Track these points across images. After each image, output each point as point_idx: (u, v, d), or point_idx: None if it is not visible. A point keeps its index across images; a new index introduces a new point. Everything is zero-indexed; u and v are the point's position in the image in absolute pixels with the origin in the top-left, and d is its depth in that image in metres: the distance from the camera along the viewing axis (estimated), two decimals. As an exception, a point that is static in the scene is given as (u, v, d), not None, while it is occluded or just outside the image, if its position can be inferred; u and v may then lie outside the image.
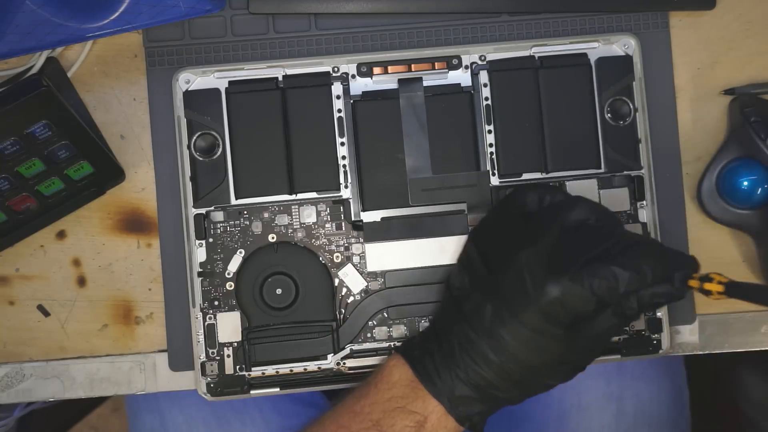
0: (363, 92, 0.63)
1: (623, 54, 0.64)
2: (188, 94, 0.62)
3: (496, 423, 0.77)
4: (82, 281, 0.64)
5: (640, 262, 0.52)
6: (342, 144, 0.63)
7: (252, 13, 0.64)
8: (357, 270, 0.63)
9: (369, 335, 0.63)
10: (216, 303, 0.62)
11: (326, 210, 0.63)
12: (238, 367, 0.62)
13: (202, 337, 0.62)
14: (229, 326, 0.62)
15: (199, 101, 0.62)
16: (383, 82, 0.63)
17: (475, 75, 0.63)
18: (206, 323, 0.62)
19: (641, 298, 0.53)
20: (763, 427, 0.97)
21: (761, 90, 0.65)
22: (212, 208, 0.62)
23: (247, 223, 0.62)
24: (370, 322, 0.63)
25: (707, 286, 0.51)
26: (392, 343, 0.63)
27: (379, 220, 0.62)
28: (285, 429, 0.75)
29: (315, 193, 0.63)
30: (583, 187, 0.63)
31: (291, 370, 0.63)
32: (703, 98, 0.66)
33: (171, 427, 0.75)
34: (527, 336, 0.53)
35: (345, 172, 0.63)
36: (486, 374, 0.54)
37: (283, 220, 0.63)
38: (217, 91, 0.62)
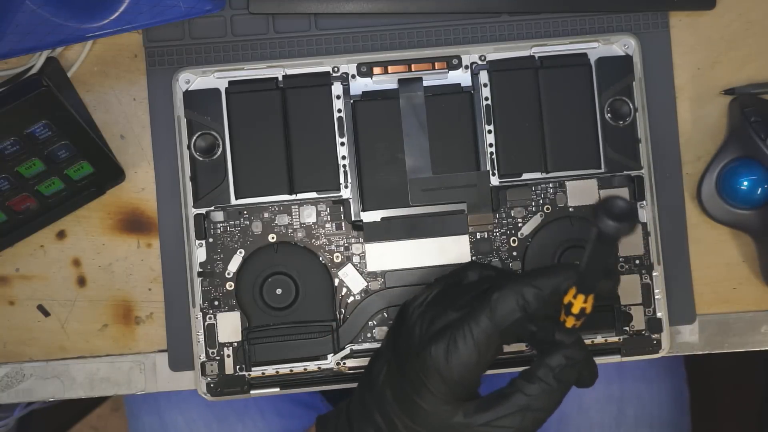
0: (363, 92, 0.63)
1: (623, 54, 0.64)
2: (188, 94, 0.62)
3: None
4: (82, 281, 0.64)
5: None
6: (342, 144, 0.63)
7: (252, 13, 0.64)
8: (357, 270, 0.63)
9: (369, 335, 0.63)
10: (216, 303, 0.62)
11: (326, 210, 0.63)
12: (238, 367, 0.62)
13: (202, 337, 0.62)
14: (229, 326, 0.62)
15: (199, 101, 0.62)
16: (383, 82, 0.63)
17: (475, 75, 0.63)
18: (206, 323, 0.62)
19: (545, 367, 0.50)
20: None
21: (761, 90, 0.65)
22: (212, 208, 0.62)
23: (247, 223, 0.62)
24: (370, 322, 0.63)
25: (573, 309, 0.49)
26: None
27: (379, 220, 0.62)
28: (285, 431, 0.75)
29: (315, 193, 0.63)
30: (583, 187, 0.63)
31: (291, 370, 0.63)
32: (703, 98, 0.66)
33: (171, 428, 0.75)
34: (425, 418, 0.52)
35: (345, 172, 0.63)
36: None
37: (283, 220, 0.63)
38: (217, 91, 0.62)
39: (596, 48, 0.63)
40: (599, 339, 0.63)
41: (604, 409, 0.73)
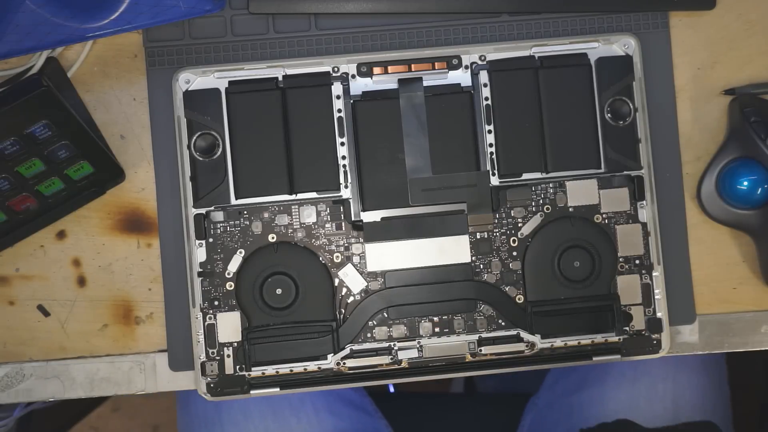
0: (363, 92, 0.63)
1: (623, 54, 0.64)
2: (188, 94, 0.62)
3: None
4: (82, 281, 0.64)
5: None
6: (342, 144, 0.63)
7: (252, 13, 0.64)
8: (357, 270, 0.63)
9: (369, 335, 0.63)
10: (216, 303, 0.62)
11: (326, 210, 0.63)
12: (238, 367, 0.62)
13: (202, 337, 0.62)
14: (229, 326, 0.62)
15: (199, 101, 0.62)
16: (383, 82, 0.63)
17: (475, 75, 0.63)
18: (206, 323, 0.62)
19: None
20: None
21: (761, 90, 0.65)
22: (212, 208, 0.62)
23: (247, 223, 0.62)
24: (370, 322, 0.63)
25: None
26: (392, 343, 0.63)
27: (379, 220, 0.63)
28: (336, 429, 0.77)
29: (315, 193, 0.63)
30: (583, 187, 0.63)
31: (291, 370, 0.63)
32: (703, 98, 0.66)
33: (225, 414, 0.76)
34: None
35: (345, 172, 0.63)
36: None
37: (283, 220, 0.63)
38: (217, 91, 0.62)
39: (596, 48, 0.63)
40: (599, 339, 0.63)
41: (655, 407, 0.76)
